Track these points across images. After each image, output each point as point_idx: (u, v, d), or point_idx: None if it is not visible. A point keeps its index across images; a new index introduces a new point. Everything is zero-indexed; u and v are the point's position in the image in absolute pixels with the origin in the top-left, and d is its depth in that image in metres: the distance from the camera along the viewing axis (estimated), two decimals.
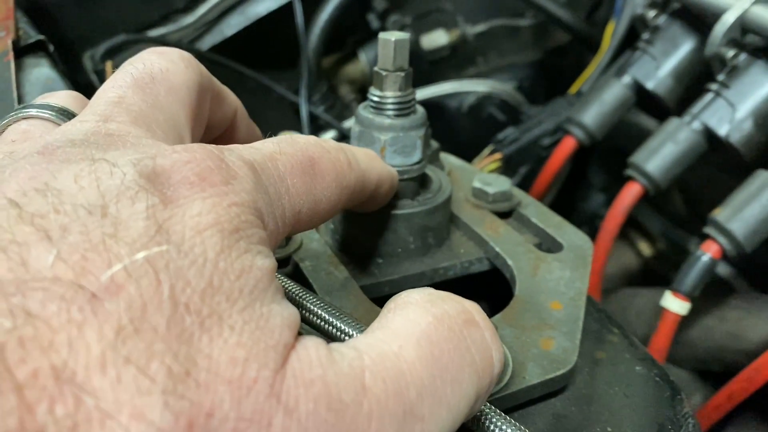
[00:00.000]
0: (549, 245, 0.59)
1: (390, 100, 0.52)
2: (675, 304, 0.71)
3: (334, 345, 0.27)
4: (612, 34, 1.07)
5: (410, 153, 0.53)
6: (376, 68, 0.53)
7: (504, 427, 0.34)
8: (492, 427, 0.34)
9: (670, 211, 1.12)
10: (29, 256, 0.22)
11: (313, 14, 1.02)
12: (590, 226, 1.30)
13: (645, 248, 1.20)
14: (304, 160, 0.34)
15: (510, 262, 0.55)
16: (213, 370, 0.23)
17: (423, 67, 1.17)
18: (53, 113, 0.37)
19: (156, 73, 0.35)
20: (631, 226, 1.21)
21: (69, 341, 0.21)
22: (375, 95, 0.52)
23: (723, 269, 1.00)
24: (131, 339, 0.21)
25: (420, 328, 0.29)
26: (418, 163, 0.54)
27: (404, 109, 0.53)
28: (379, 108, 0.53)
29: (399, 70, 0.52)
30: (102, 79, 0.81)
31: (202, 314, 0.23)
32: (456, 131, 1.26)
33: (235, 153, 0.30)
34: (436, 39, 1.15)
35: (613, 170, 1.18)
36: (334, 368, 0.25)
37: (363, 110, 0.53)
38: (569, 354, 0.46)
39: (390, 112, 0.52)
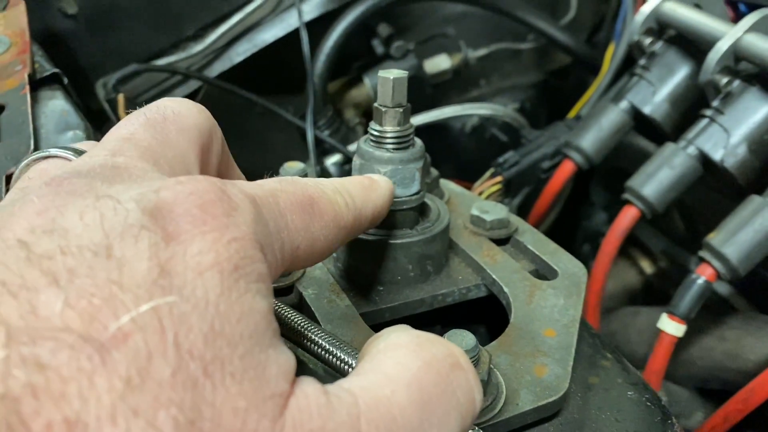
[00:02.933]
0: (545, 272, 0.61)
1: (389, 135, 0.54)
2: (671, 326, 0.73)
3: (331, 388, 0.29)
4: (612, 56, 1.09)
5: (409, 184, 0.55)
6: (375, 104, 0.55)
7: None
8: None
9: (670, 230, 1.13)
10: (38, 302, 0.23)
11: (319, 41, 1.05)
12: (593, 243, 1.32)
13: (647, 266, 1.22)
14: (303, 199, 0.35)
15: (506, 289, 0.56)
16: (216, 420, 0.23)
17: (426, 90, 1.20)
18: (73, 153, 0.38)
19: (168, 114, 0.36)
20: (633, 244, 1.23)
21: (80, 392, 0.21)
22: (375, 130, 0.55)
23: (723, 288, 1.01)
24: (139, 390, 0.22)
25: (411, 373, 0.30)
26: (416, 193, 0.56)
27: (403, 142, 0.55)
28: (378, 142, 0.55)
29: (398, 106, 0.54)
30: (114, 108, 0.84)
31: (205, 359, 0.24)
32: (459, 152, 1.28)
33: (237, 186, 0.31)
34: (439, 63, 1.18)
35: (614, 189, 1.20)
36: (333, 417, 0.27)
37: (363, 144, 0.56)
38: (561, 381, 0.48)
39: (389, 146, 0.54)
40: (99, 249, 0.25)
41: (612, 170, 1.15)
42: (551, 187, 0.93)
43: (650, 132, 0.96)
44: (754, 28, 0.76)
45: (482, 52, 1.22)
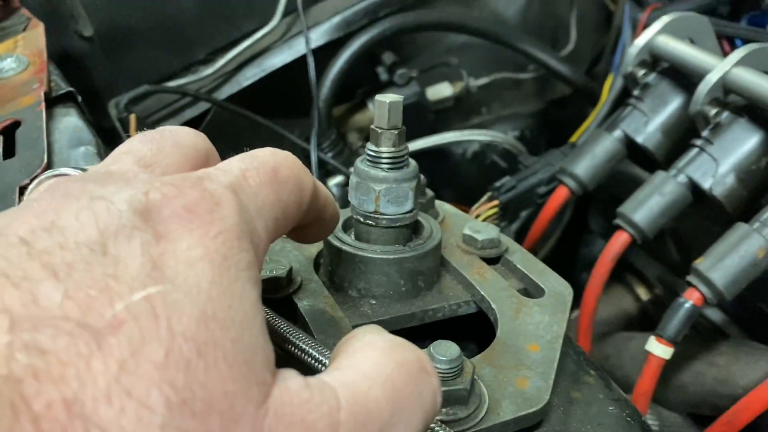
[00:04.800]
0: (532, 290, 0.63)
1: (384, 155, 0.57)
2: (658, 348, 0.74)
3: (312, 381, 0.31)
4: (610, 87, 1.12)
5: (402, 203, 0.58)
6: (372, 126, 0.58)
7: None
8: None
9: (665, 257, 1.15)
10: (39, 293, 0.24)
11: (325, 67, 1.09)
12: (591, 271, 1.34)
13: (642, 293, 1.24)
14: (268, 171, 0.37)
15: (494, 305, 0.59)
16: (207, 400, 0.25)
17: (428, 116, 1.23)
18: (82, 171, 0.40)
19: (166, 132, 0.39)
20: (629, 271, 1.25)
21: (78, 375, 0.23)
22: (371, 150, 0.58)
23: (714, 315, 1.03)
24: (133, 371, 0.24)
25: (386, 373, 0.33)
26: (410, 211, 0.59)
27: (397, 163, 0.57)
28: (374, 162, 0.58)
29: (393, 128, 0.57)
30: (125, 126, 0.87)
31: (198, 341, 0.26)
32: (460, 176, 1.31)
33: (215, 180, 0.33)
34: (441, 91, 1.21)
35: (611, 217, 1.22)
36: (314, 409, 0.29)
37: (360, 163, 0.58)
38: (542, 393, 0.50)
39: (384, 166, 0.57)
40: (95, 246, 0.27)
41: (610, 198, 1.17)
42: (546, 212, 0.95)
43: (644, 161, 0.98)
44: (742, 62, 0.79)
45: (483, 81, 1.25)
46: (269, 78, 1.09)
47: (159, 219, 0.29)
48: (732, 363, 0.89)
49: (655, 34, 0.89)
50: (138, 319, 0.25)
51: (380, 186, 0.57)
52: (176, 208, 0.30)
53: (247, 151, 0.39)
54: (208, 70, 1.05)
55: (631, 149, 0.94)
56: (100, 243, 0.27)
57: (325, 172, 1.07)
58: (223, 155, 0.46)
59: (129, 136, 0.41)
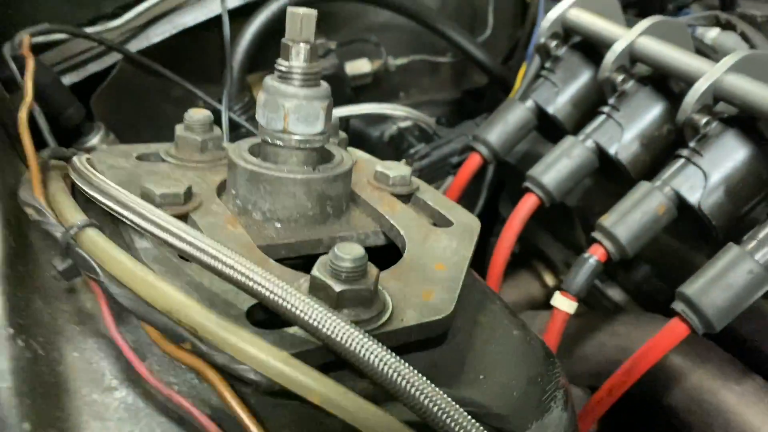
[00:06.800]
0: (442, 223, 0.62)
1: (296, 70, 0.55)
2: (564, 303, 0.75)
3: None
4: (523, 75, 1.14)
5: (313, 123, 0.56)
6: (283, 40, 0.56)
7: None
8: None
9: (572, 242, 1.18)
10: None
11: (240, 30, 1.06)
12: None
13: (549, 278, 1.26)
14: None
15: (402, 232, 0.57)
16: None
17: (346, 91, 1.22)
18: None
19: None
20: (536, 257, 1.27)
21: None
22: (281, 65, 0.56)
23: (616, 294, 1.06)
24: None
25: None
26: (320, 133, 0.57)
27: (309, 79, 0.56)
28: (284, 77, 0.56)
29: (305, 41, 0.55)
30: (20, 65, 0.80)
31: None
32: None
33: None
34: (360, 67, 1.21)
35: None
36: None
37: (270, 79, 0.56)
38: (447, 304, 0.48)
39: (295, 82, 0.55)
40: None
41: (520, 184, 1.19)
42: (459, 178, 0.95)
43: (555, 136, 1.00)
44: (647, 32, 0.82)
45: (402, 61, 1.26)
46: (181, 37, 1.04)
47: None
48: (632, 331, 0.91)
49: (568, 7, 0.92)
50: None
51: (290, 102, 0.55)
52: None
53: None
54: (115, 22, 1.00)
55: (542, 121, 0.95)
56: None
57: (236, 135, 1.03)
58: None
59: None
